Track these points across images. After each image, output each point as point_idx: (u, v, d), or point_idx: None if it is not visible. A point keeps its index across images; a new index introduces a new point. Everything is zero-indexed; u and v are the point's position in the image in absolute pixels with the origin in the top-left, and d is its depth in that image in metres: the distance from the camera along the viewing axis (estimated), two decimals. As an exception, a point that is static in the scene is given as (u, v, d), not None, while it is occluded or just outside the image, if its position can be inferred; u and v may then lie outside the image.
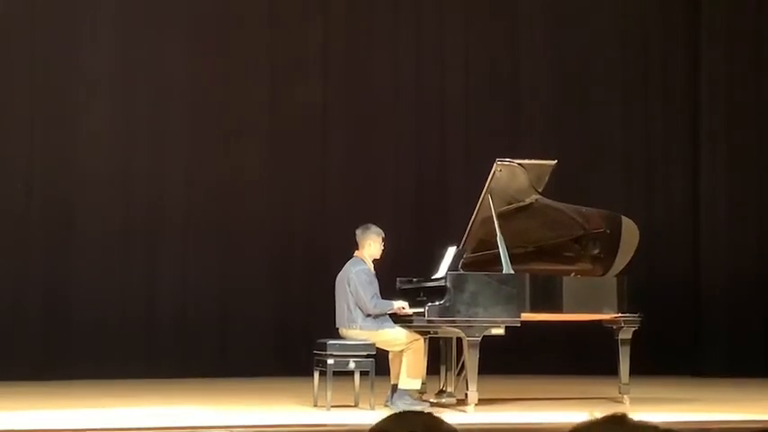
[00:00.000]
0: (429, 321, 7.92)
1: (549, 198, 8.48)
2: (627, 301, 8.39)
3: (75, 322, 11.18)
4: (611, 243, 8.55)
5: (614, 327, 8.46)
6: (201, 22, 11.98)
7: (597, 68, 12.84)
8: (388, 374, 8.25)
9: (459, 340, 8.20)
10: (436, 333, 8.35)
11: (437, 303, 7.87)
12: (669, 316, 11.93)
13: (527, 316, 7.99)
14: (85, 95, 11.55)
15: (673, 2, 12.92)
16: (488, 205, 8.16)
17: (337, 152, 12.27)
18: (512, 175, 8.26)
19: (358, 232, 8.29)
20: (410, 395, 8.17)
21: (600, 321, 8.49)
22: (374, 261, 8.28)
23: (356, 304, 8.09)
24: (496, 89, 12.70)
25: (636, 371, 8.68)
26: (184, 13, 11.94)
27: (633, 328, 8.43)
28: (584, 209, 8.65)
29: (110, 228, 11.48)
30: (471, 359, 7.80)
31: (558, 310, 8.15)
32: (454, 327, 7.91)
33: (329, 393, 7.89)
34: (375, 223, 8.39)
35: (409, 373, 8.09)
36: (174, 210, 11.74)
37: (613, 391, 8.67)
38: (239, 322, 11.69)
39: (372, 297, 8.06)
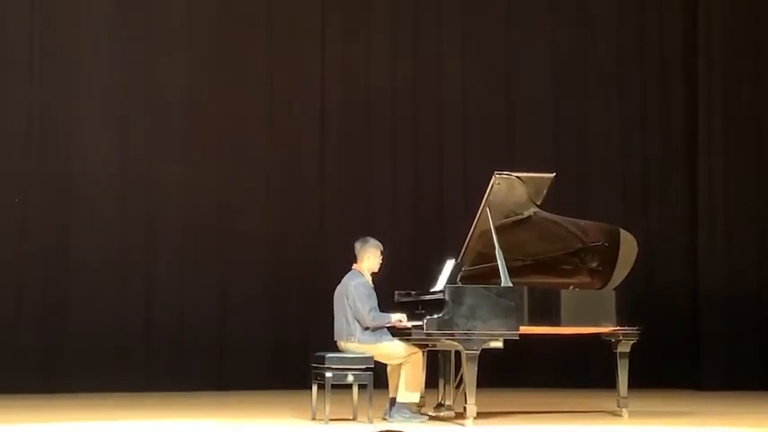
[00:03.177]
0: (428, 334, 7.91)
1: (547, 211, 8.49)
2: (625, 315, 8.39)
3: (72, 336, 11.15)
4: (610, 256, 8.55)
5: (613, 340, 8.47)
6: (199, 37, 11.99)
7: (595, 82, 12.86)
8: (387, 387, 8.24)
9: (458, 353, 8.18)
10: (435, 346, 8.33)
11: (435, 316, 7.87)
12: (667, 329, 11.94)
13: (525, 329, 7.98)
14: (83, 110, 11.54)
15: (670, 17, 12.95)
16: (487, 218, 8.17)
17: (335, 166, 12.28)
18: (510, 188, 8.27)
19: (357, 245, 8.28)
20: (408, 408, 8.16)
21: (598, 334, 8.49)
22: (372, 274, 8.27)
23: (354, 317, 8.08)
24: (494, 102, 12.71)
25: (634, 384, 8.67)
26: (183, 26, 11.96)
27: (632, 342, 8.44)
28: (582, 222, 8.66)
29: (107, 242, 11.46)
30: (470, 372, 7.79)
31: (557, 323, 8.14)
32: (453, 340, 7.90)
33: (327, 407, 7.87)
34: (373, 236, 8.38)
35: (408, 386, 8.08)
36: (171, 223, 11.73)
37: (612, 405, 8.68)
38: (237, 335, 11.67)
39: (371, 310, 8.05)
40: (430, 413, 8.43)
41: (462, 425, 7.88)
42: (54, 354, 11.11)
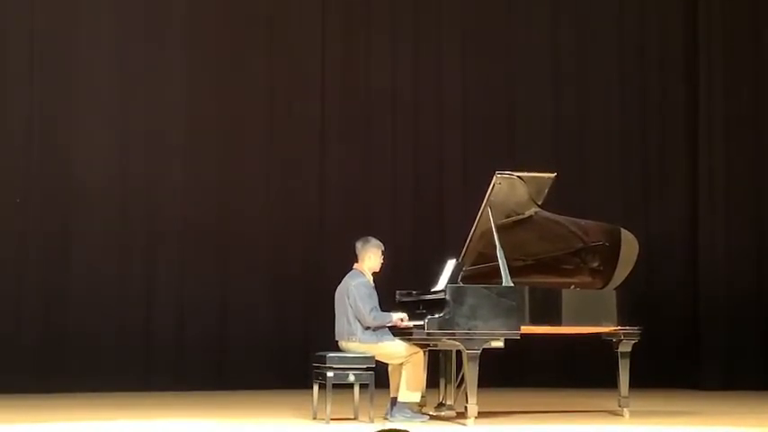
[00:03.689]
0: (429, 334, 7.90)
1: (548, 211, 8.49)
2: (626, 315, 8.39)
3: (72, 335, 11.15)
4: (611, 256, 8.55)
5: (614, 340, 8.47)
6: (200, 36, 11.99)
7: (595, 81, 12.86)
8: (388, 387, 8.24)
9: (459, 353, 8.19)
10: (436, 346, 8.34)
11: (437, 316, 7.87)
12: (668, 329, 11.93)
13: (526, 329, 7.98)
14: (83, 109, 11.54)
15: (671, 16, 12.95)
16: (488, 218, 8.17)
17: (335, 165, 12.28)
18: (511, 188, 8.27)
19: (358, 245, 8.28)
20: (409, 408, 8.16)
21: (599, 334, 8.49)
22: (373, 274, 8.27)
23: (355, 317, 8.08)
24: (494, 102, 12.71)
25: (635, 384, 8.67)
26: (183, 26, 11.96)
27: (633, 341, 8.44)
28: (583, 221, 8.66)
29: (107, 241, 11.47)
30: (471, 372, 7.80)
31: (558, 322, 8.14)
32: (454, 339, 7.91)
33: (329, 406, 7.87)
34: (374, 236, 8.37)
35: (409, 385, 8.08)
36: (171, 222, 11.73)
37: (613, 405, 8.68)
38: (238, 335, 11.67)
39: (372, 310, 8.05)
40: (431, 413, 8.42)
41: (463, 425, 7.88)
42: (54, 353, 11.10)
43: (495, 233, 8.11)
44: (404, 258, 11.08)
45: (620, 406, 8.51)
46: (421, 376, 8.19)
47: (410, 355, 8.10)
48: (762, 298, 12.31)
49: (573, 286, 8.46)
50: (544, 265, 8.65)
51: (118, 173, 11.59)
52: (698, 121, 12.62)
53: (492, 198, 8.20)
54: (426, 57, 12.61)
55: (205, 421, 8.33)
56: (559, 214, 8.59)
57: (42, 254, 11.31)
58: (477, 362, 7.79)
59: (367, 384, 7.93)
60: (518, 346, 8.15)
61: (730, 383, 11.85)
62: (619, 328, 8.38)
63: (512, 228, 8.43)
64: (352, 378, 7.94)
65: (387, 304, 8.33)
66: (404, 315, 8.16)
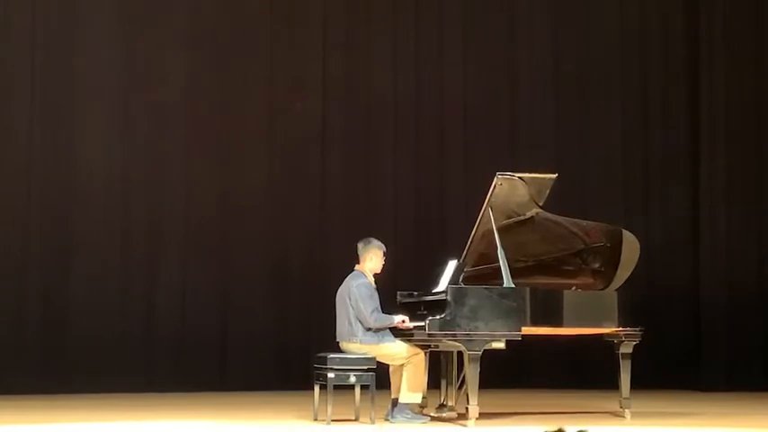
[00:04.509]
0: (430, 335, 7.91)
1: (549, 211, 8.48)
2: (627, 316, 8.38)
3: (74, 336, 11.14)
4: (612, 257, 8.55)
5: (615, 341, 8.47)
6: (201, 37, 11.97)
7: (597, 82, 12.86)
8: (389, 388, 8.23)
9: (460, 354, 8.19)
10: (437, 347, 8.33)
11: (438, 317, 7.87)
12: (669, 330, 11.93)
13: (528, 330, 7.98)
14: (85, 110, 11.54)
15: (672, 18, 12.95)
16: (489, 219, 8.16)
17: (336, 166, 12.27)
18: (512, 189, 8.27)
19: (360, 246, 8.28)
20: (410, 409, 8.16)
21: (600, 335, 8.49)
22: (375, 275, 8.27)
23: (357, 318, 8.08)
24: (495, 102, 12.71)
25: (636, 385, 8.67)
26: (184, 27, 11.94)
27: (634, 342, 8.44)
28: (584, 222, 8.66)
29: (109, 243, 11.45)
30: (472, 373, 7.79)
31: (559, 324, 8.14)
32: (455, 340, 7.90)
33: (329, 407, 7.87)
34: (375, 237, 8.37)
35: (410, 386, 8.07)
36: (173, 224, 11.72)
37: (614, 406, 8.67)
38: (239, 336, 11.66)
39: (373, 311, 8.04)
40: (432, 414, 8.41)
41: (464, 426, 7.87)
42: (55, 354, 11.09)
43: (496, 234, 8.10)
44: (405, 259, 11.07)
45: (621, 407, 8.51)
46: (422, 377, 8.18)
47: (411, 356, 8.10)
48: (763, 299, 12.30)
49: (574, 287, 8.46)
50: (545, 266, 8.64)
51: (118, 173, 11.58)
52: (698, 121, 12.62)
53: (493, 199, 8.20)
54: (427, 57, 12.61)
55: (206, 422, 8.32)
56: (560, 215, 8.58)
57: (42, 254, 11.29)
58: (479, 363, 7.79)
59: (368, 385, 7.92)
60: (519, 348, 8.14)
61: (732, 384, 11.84)
62: (620, 329, 8.37)
63: (513, 229, 8.43)
64: (353, 379, 7.94)
65: (388, 305, 8.32)
66: (405, 317, 8.15)
